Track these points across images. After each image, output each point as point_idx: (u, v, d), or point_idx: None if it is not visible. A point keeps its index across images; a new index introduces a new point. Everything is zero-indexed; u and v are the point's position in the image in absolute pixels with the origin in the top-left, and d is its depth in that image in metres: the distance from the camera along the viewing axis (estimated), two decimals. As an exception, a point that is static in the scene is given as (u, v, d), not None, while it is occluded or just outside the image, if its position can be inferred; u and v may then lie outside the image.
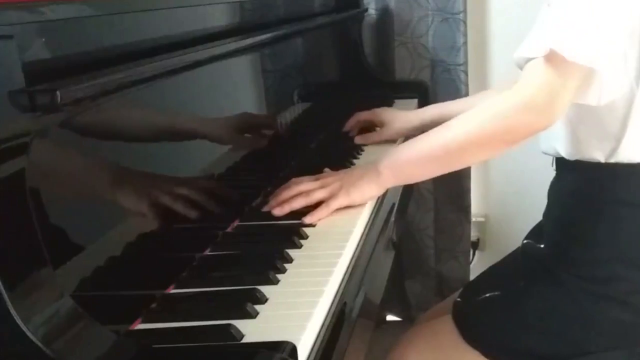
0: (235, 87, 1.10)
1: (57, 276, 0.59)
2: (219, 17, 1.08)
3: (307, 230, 0.95)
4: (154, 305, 0.75)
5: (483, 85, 1.94)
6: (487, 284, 1.19)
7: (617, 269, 1.03)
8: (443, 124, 1.04)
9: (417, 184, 1.85)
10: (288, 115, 1.28)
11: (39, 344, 0.54)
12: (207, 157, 0.97)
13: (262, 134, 1.17)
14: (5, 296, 0.53)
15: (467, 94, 1.81)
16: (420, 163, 1.05)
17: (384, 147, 1.34)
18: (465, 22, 1.78)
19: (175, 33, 0.91)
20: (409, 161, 1.05)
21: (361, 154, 1.32)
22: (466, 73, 1.81)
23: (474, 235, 2.04)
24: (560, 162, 1.13)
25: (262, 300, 0.75)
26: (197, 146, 0.95)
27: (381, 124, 1.39)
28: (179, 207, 0.85)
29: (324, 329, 0.73)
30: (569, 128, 1.06)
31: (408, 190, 1.34)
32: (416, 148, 1.05)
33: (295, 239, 0.91)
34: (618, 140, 1.02)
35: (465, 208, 1.93)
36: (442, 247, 1.99)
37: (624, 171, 1.04)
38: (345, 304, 0.79)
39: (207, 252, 0.89)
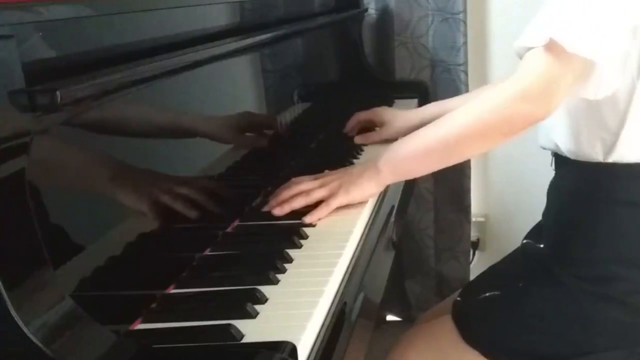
0: (235, 87, 1.10)
1: (57, 276, 0.59)
2: (219, 17, 1.08)
3: (307, 230, 0.95)
4: (154, 305, 0.75)
5: (483, 85, 1.94)
6: (487, 284, 1.19)
7: (617, 269, 1.03)
8: (440, 118, 1.03)
9: (417, 184, 1.85)
10: (288, 115, 1.28)
11: (39, 344, 0.54)
12: (207, 157, 0.97)
13: (262, 133, 1.17)
14: (5, 296, 0.53)
15: (467, 94, 1.81)
16: (418, 158, 1.04)
17: (384, 147, 1.34)
18: (465, 22, 1.78)
19: (175, 33, 0.91)
20: (407, 156, 1.04)
21: (361, 154, 1.32)
22: (466, 73, 1.81)
23: (474, 235, 2.04)
24: (560, 162, 1.13)
25: (262, 300, 0.75)
26: (197, 146, 0.95)
27: (381, 124, 1.39)
28: (179, 207, 0.85)
29: (324, 329, 0.73)
30: (569, 121, 1.06)
31: (408, 190, 1.34)
32: (414, 143, 1.04)
33: (295, 239, 0.91)
34: (617, 134, 1.02)
35: (465, 208, 1.93)
36: (442, 247, 1.99)
37: (623, 171, 1.04)
38: (345, 304, 0.79)
39: (207, 252, 0.89)
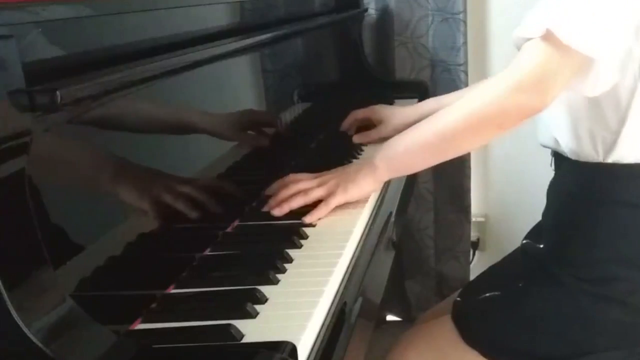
0: (235, 87, 1.10)
1: (57, 276, 0.59)
2: (219, 17, 1.08)
3: (307, 230, 0.95)
4: (154, 305, 0.75)
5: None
6: (487, 284, 1.19)
7: (617, 269, 1.03)
8: (436, 113, 1.03)
9: (417, 184, 1.85)
10: (288, 115, 1.28)
11: (39, 344, 0.54)
12: (207, 158, 0.97)
13: (262, 133, 1.17)
14: (6, 296, 0.53)
15: (467, 94, 1.81)
16: (414, 153, 1.04)
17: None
18: (465, 22, 1.78)
19: (175, 33, 0.91)
20: (403, 152, 1.04)
21: (361, 154, 1.32)
22: (466, 73, 1.81)
23: (474, 235, 2.04)
24: (560, 162, 1.13)
25: (262, 300, 0.75)
26: (197, 147, 0.95)
27: (379, 121, 1.38)
28: (179, 207, 0.85)
29: (324, 329, 0.73)
30: (570, 118, 1.06)
31: (408, 190, 1.34)
32: (409, 138, 1.04)
33: (295, 239, 0.91)
34: (617, 133, 1.02)
35: (465, 208, 1.93)
36: (442, 247, 1.99)
37: (623, 172, 1.04)
38: (345, 304, 0.79)
39: (207, 252, 0.89)
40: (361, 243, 0.95)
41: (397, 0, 1.83)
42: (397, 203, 1.18)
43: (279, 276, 0.81)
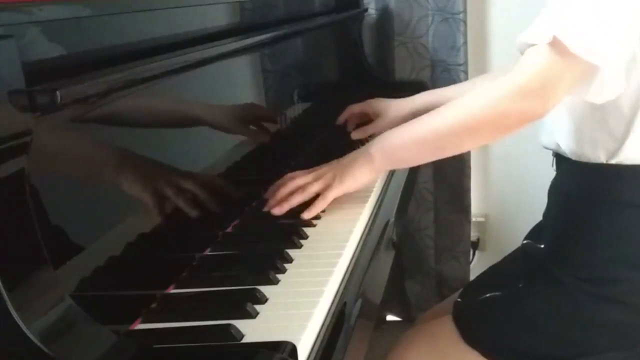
0: (235, 87, 1.10)
1: (57, 276, 0.59)
2: (219, 17, 1.08)
3: (307, 230, 0.95)
4: (154, 305, 0.75)
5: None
6: (487, 285, 1.19)
7: (618, 270, 1.03)
8: (436, 109, 1.02)
9: (417, 184, 1.85)
10: (288, 115, 1.28)
11: (39, 344, 0.54)
12: (207, 158, 0.97)
13: (262, 133, 1.17)
14: (6, 296, 0.53)
15: (466, 94, 1.80)
16: (411, 147, 1.03)
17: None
18: (465, 22, 1.78)
19: (175, 33, 0.91)
20: (399, 145, 1.04)
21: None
22: (466, 73, 1.81)
23: (474, 235, 2.04)
24: (561, 162, 1.12)
25: (262, 300, 0.75)
26: (196, 147, 0.95)
27: (375, 115, 1.37)
28: (179, 207, 0.85)
29: (324, 329, 0.73)
30: (573, 123, 1.06)
31: (408, 190, 1.34)
32: (408, 132, 1.03)
33: (295, 239, 0.91)
34: (622, 141, 1.01)
35: (465, 208, 1.93)
36: (442, 247, 1.99)
37: (625, 172, 1.03)
38: (345, 304, 0.79)
39: (207, 252, 0.89)
40: (361, 243, 0.95)
41: (397, 0, 1.83)
42: (397, 203, 1.18)
43: (279, 276, 0.81)
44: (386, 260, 1.08)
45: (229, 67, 1.05)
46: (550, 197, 1.16)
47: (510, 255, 1.26)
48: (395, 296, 2.06)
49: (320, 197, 1.01)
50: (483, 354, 1.10)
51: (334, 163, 1.06)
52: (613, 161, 1.03)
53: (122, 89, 0.72)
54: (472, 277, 1.62)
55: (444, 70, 1.83)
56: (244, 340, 0.67)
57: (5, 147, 0.56)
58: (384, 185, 1.16)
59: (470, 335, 1.12)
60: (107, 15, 0.75)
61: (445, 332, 1.14)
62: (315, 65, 1.55)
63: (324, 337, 0.72)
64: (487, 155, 2.03)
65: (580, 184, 1.09)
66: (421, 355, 1.17)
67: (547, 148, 1.15)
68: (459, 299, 1.19)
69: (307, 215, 0.98)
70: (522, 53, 0.96)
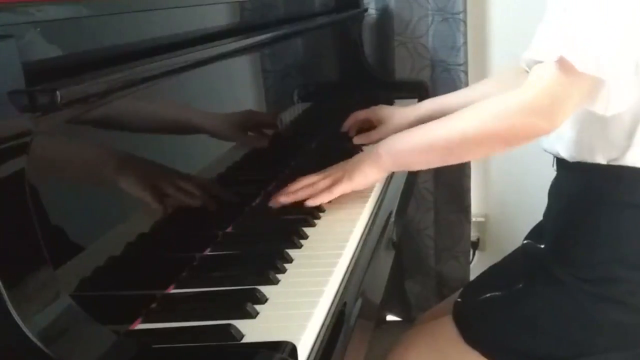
0: (235, 87, 1.10)
1: (57, 276, 0.59)
2: (219, 17, 1.08)
3: (307, 230, 0.95)
4: (154, 305, 0.75)
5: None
6: (488, 285, 1.19)
7: (618, 270, 1.03)
8: (447, 116, 1.03)
9: (417, 184, 1.85)
10: (288, 115, 1.28)
11: (39, 344, 0.54)
12: (207, 158, 0.97)
13: (262, 133, 1.17)
14: (6, 297, 0.53)
15: (466, 94, 1.80)
16: (420, 152, 1.05)
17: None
18: (465, 22, 1.78)
19: (175, 33, 0.91)
20: (409, 149, 1.05)
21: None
22: (466, 73, 1.81)
23: (474, 235, 2.04)
24: (561, 162, 1.12)
25: (262, 300, 0.75)
26: (197, 147, 0.95)
27: (379, 122, 1.38)
28: (179, 207, 0.85)
29: (324, 329, 0.73)
30: (574, 131, 1.06)
31: (408, 191, 1.34)
32: (418, 137, 1.05)
33: (295, 239, 0.91)
34: (622, 150, 1.02)
35: (465, 208, 1.93)
36: (442, 247, 1.99)
37: (626, 173, 1.03)
38: (345, 304, 0.79)
39: (207, 252, 0.89)
40: (361, 243, 0.95)
41: (397, 0, 1.82)
42: (397, 203, 1.18)
43: (279, 276, 0.81)
44: (386, 260, 1.08)
45: (229, 67, 1.05)
46: (550, 197, 1.16)
47: (510, 255, 1.26)
48: (395, 296, 2.06)
49: (326, 190, 1.03)
50: (483, 354, 1.10)
51: (343, 163, 1.09)
52: (615, 164, 1.03)
53: (122, 89, 0.72)
54: (472, 277, 1.62)
55: (444, 70, 1.83)
56: (244, 340, 0.67)
57: (5, 147, 0.56)
58: (384, 186, 1.16)
59: (470, 336, 1.12)
60: (107, 15, 0.75)
61: (446, 332, 1.14)
62: (315, 65, 1.55)
63: (324, 337, 0.72)
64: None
65: (581, 184, 1.09)
66: (421, 355, 1.17)
67: (547, 151, 1.15)
68: (459, 299, 1.19)
69: (310, 202, 1.00)
70: (528, 68, 0.97)
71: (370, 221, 1.03)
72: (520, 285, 1.12)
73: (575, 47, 0.91)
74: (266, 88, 1.20)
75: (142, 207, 0.78)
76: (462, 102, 1.35)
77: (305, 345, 0.67)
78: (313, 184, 1.04)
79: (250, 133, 1.13)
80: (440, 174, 1.91)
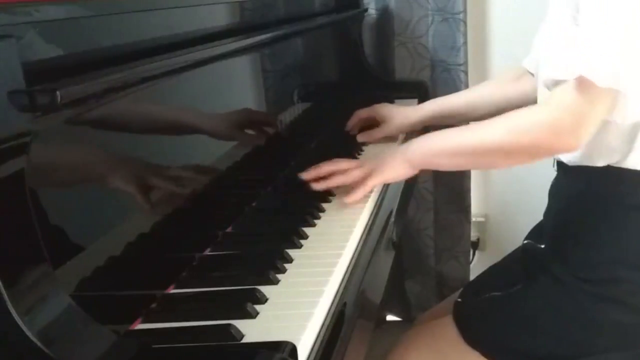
0: (235, 87, 1.10)
1: (57, 276, 0.59)
2: (219, 17, 1.08)
3: (307, 230, 0.95)
4: (154, 305, 0.75)
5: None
6: (488, 284, 1.19)
7: (618, 270, 1.03)
8: (479, 123, 1.07)
9: (417, 184, 1.85)
10: (288, 115, 1.28)
11: (39, 344, 0.54)
12: (207, 157, 0.97)
13: (262, 133, 1.17)
14: (6, 296, 0.53)
15: (466, 94, 1.80)
16: (449, 155, 1.08)
17: (385, 145, 1.35)
18: (465, 22, 1.78)
19: (175, 33, 0.91)
20: (438, 152, 1.09)
21: (362, 153, 1.32)
22: (466, 73, 1.81)
23: (474, 235, 2.04)
24: (561, 164, 1.12)
25: (262, 300, 0.75)
26: (197, 146, 0.95)
27: (381, 120, 1.39)
28: (178, 207, 0.85)
29: (324, 329, 0.72)
30: None
31: (408, 191, 1.34)
32: (448, 140, 1.08)
33: (295, 239, 0.91)
34: (624, 154, 1.02)
35: (465, 208, 1.93)
36: (442, 247, 1.99)
37: (627, 175, 1.03)
38: (345, 304, 0.79)
39: (207, 252, 0.89)
40: (361, 243, 0.95)
41: (397, 0, 1.82)
42: (397, 203, 1.18)
43: (279, 276, 0.81)
44: (386, 260, 1.08)
45: (229, 67, 1.05)
46: (551, 197, 1.16)
47: (510, 255, 1.26)
48: (395, 296, 2.06)
49: (361, 184, 1.06)
50: (483, 354, 1.10)
51: (373, 157, 1.13)
52: (614, 165, 1.03)
53: (121, 89, 0.72)
54: (472, 277, 1.62)
55: (444, 70, 1.83)
56: (244, 340, 0.67)
57: (5, 147, 0.56)
58: (384, 186, 1.16)
59: (470, 336, 1.12)
60: (107, 15, 0.75)
61: (446, 332, 1.14)
62: (315, 65, 1.55)
63: (324, 337, 0.72)
64: (487, 155, 2.03)
65: (582, 185, 1.09)
66: (421, 355, 1.17)
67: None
68: (459, 299, 1.20)
69: (349, 199, 1.04)
70: (547, 87, 0.98)
71: (370, 221, 1.03)
72: (520, 286, 1.12)
73: (593, 65, 0.91)
74: (266, 88, 1.20)
75: (142, 207, 0.78)
76: (463, 104, 1.36)
77: (305, 345, 0.67)
78: (345, 170, 1.07)
79: (250, 133, 1.13)
80: (440, 174, 1.91)
